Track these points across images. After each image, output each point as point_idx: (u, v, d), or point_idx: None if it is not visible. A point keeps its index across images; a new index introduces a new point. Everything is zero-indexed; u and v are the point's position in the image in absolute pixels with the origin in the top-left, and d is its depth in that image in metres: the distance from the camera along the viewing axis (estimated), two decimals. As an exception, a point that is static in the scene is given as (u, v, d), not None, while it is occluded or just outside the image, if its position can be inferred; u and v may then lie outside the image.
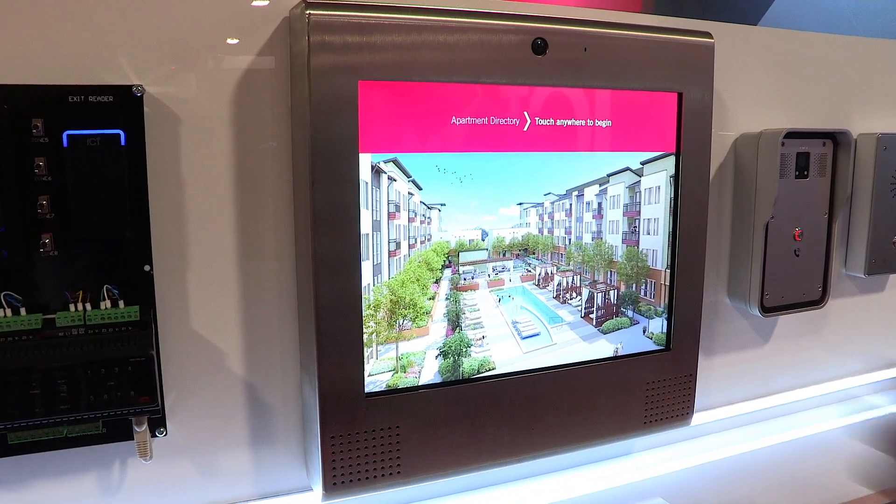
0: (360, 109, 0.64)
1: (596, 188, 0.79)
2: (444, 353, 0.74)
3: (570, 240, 0.79)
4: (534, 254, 0.78)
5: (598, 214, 0.80)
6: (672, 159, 0.82)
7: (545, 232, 0.78)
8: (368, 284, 0.68)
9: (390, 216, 0.69)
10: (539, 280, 0.79)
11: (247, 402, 0.72)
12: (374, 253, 0.68)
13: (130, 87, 0.61)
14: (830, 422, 1.08)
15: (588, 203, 0.79)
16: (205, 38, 0.65)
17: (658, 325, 0.85)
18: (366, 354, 0.69)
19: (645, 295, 0.84)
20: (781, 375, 1.07)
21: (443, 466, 0.75)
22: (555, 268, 0.79)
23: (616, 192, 0.80)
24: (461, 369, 0.74)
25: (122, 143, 0.61)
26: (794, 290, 0.98)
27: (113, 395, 0.59)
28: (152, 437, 0.66)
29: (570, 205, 0.78)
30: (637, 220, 0.82)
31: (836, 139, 0.98)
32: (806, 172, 0.96)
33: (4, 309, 0.58)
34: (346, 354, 0.67)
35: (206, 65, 0.65)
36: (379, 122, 0.66)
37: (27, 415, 0.57)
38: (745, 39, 0.94)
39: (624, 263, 0.82)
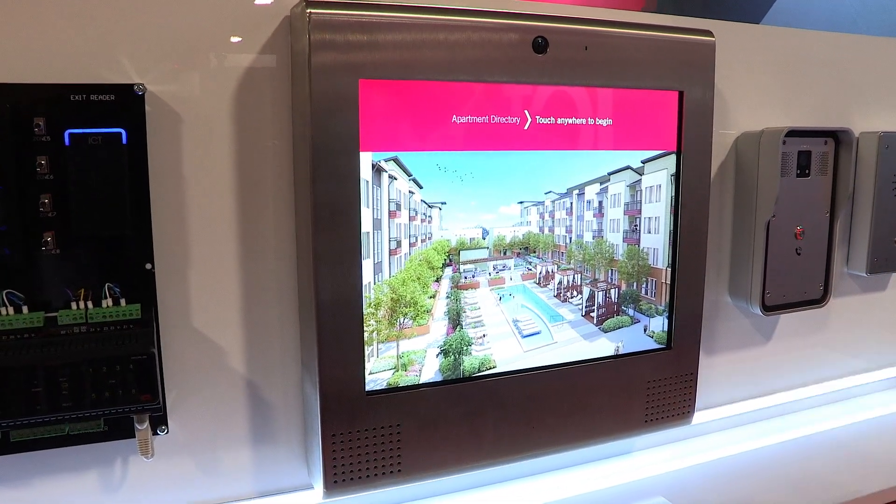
0: (360, 108, 0.64)
1: (597, 187, 0.79)
2: (444, 352, 0.74)
3: (570, 238, 0.79)
4: (534, 252, 0.78)
5: (599, 213, 0.80)
6: (673, 158, 0.82)
7: (546, 230, 0.78)
8: (369, 283, 0.68)
9: (391, 214, 0.69)
10: (540, 278, 0.79)
11: (248, 400, 0.72)
12: (375, 251, 0.69)
13: (132, 85, 0.61)
14: (831, 421, 1.08)
15: (589, 201, 0.79)
16: (206, 36, 0.65)
17: (659, 324, 0.85)
18: (366, 353, 0.69)
19: (646, 293, 0.84)
20: (782, 374, 1.07)
21: (443, 465, 0.75)
22: (555, 266, 0.79)
23: (617, 191, 0.80)
24: (462, 368, 0.75)
25: (124, 141, 0.61)
26: (796, 288, 0.98)
27: (114, 392, 0.59)
28: (153, 434, 0.66)
29: (571, 203, 0.78)
30: (638, 219, 0.82)
31: (837, 138, 0.98)
32: (807, 171, 0.96)
33: (7, 307, 0.59)
34: (347, 353, 0.67)
35: (207, 63, 0.66)
36: (379, 121, 0.66)
37: (29, 412, 0.57)
38: (746, 38, 0.94)
39: (625, 262, 0.82)
